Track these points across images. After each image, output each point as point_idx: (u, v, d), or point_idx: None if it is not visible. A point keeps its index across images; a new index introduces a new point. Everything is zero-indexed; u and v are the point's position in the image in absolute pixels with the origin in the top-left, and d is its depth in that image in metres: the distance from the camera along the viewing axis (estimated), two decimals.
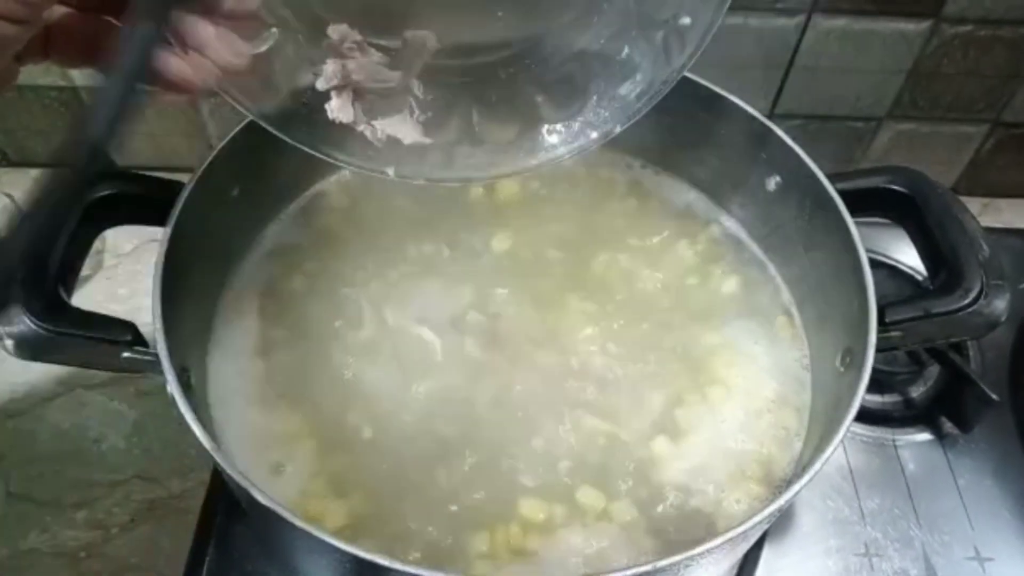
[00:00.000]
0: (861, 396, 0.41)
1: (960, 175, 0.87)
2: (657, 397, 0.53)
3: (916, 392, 0.69)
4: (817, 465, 0.38)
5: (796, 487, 0.38)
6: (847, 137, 0.83)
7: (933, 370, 0.70)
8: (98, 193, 0.46)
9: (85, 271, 0.78)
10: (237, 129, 0.51)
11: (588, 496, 0.48)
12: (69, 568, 0.59)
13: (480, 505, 0.47)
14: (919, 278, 0.74)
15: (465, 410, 0.52)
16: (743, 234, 0.63)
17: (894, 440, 0.67)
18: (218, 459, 0.38)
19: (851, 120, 0.81)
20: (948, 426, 0.67)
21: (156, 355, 0.41)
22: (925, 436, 0.67)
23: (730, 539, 0.36)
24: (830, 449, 0.39)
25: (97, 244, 0.81)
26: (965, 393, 0.65)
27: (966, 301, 0.46)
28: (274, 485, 0.48)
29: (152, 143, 0.82)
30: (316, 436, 0.50)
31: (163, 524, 0.61)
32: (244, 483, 0.36)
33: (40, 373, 0.68)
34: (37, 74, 0.75)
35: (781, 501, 0.37)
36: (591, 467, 0.50)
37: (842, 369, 0.48)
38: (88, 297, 0.76)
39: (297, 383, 0.53)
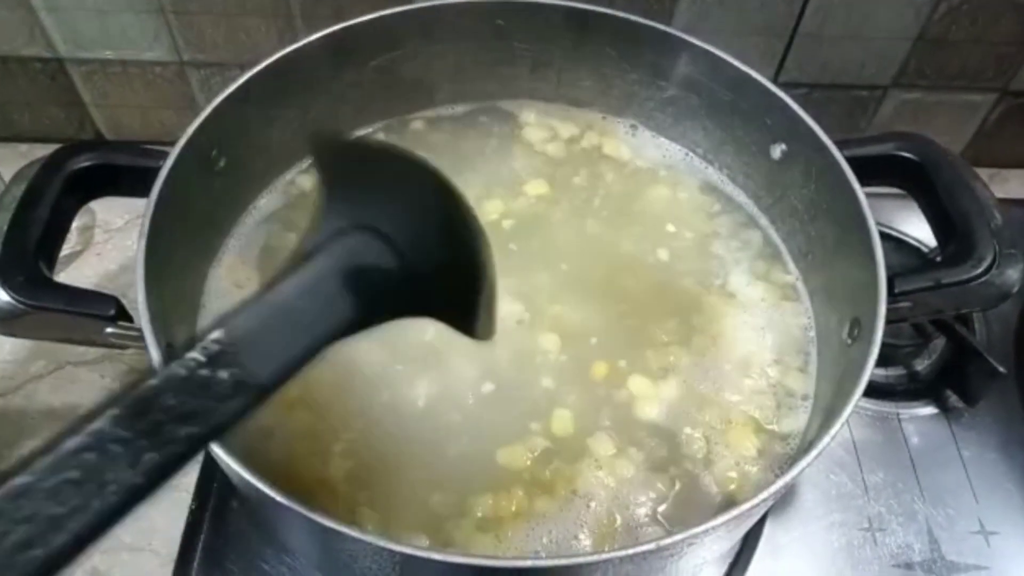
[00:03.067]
0: (870, 370, 0.40)
1: (966, 145, 0.86)
2: (647, 345, 0.53)
3: (921, 365, 0.68)
4: (826, 439, 0.37)
5: (804, 462, 0.37)
6: (851, 106, 0.81)
7: (938, 343, 0.69)
8: (79, 164, 0.44)
9: (75, 247, 0.78)
10: (220, 98, 0.49)
11: (563, 419, 0.48)
12: None
13: (478, 467, 0.47)
14: (925, 250, 0.73)
15: (466, 377, 0.51)
16: (747, 203, 0.62)
17: (898, 414, 0.66)
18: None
19: (856, 89, 0.79)
20: (953, 399, 0.66)
21: (140, 330, 0.39)
22: (930, 410, 0.66)
23: (735, 517, 0.34)
24: (839, 424, 0.38)
25: (87, 219, 0.81)
26: (971, 366, 0.64)
27: (978, 271, 0.44)
28: (263, 451, 0.47)
29: (141, 116, 0.81)
30: (310, 403, 0.49)
31: (157, 503, 0.57)
32: (230, 463, 0.35)
33: (29, 350, 0.67)
34: (22, 45, 0.73)
35: (788, 477, 0.36)
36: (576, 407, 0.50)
37: (849, 341, 0.47)
38: (78, 273, 0.75)
39: None
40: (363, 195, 0.29)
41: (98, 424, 0.25)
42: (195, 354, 0.26)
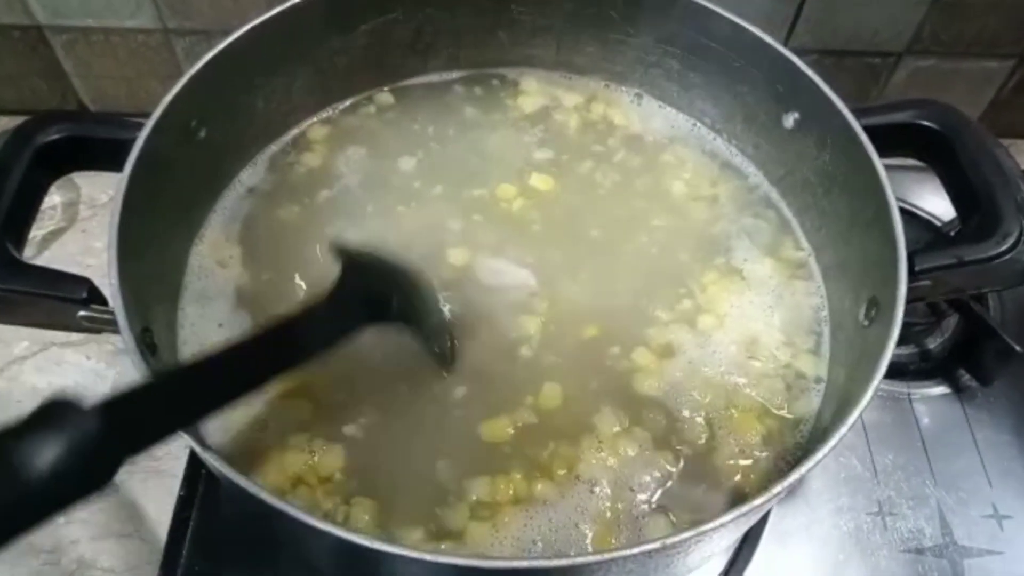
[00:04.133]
0: (890, 353, 0.37)
1: (981, 114, 0.83)
2: (649, 324, 0.51)
3: (933, 343, 0.66)
4: (843, 428, 0.35)
5: (820, 453, 0.34)
6: (863, 74, 0.78)
7: (951, 320, 0.67)
8: (49, 137, 0.42)
9: (59, 223, 0.75)
10: (199, 65, 0.46)
11: (551, 392, 0.47)
12: (46, 536, 0.57)
13: (469, 445, 0.46)
14: (938, 224, 0.71)
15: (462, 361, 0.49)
16: (757, 175, 0.59)
17: (909, 393, 0.64)
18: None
19: (868, 56, 0.76)
20: (966, 379, 0.65)
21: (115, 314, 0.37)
22: (942, 389, 0.64)
23: (744, 514, 0.32)
24: (857, 411, 0.35)
25: (71, 195, 0.78)
26: (985, 345, 0.62)
27: (1003, 247, 0.42)
28: (256, 444, 0.45)
29: (126, 86, 0.78)
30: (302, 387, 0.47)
31: (145, 488, 0.58)
32: (209, 457, 0.33)
33: (12, 331, 0.65)
34: (1, 12, 0.70)
35: (804, 469, 0.34)
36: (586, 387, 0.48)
37: (866, 323, 0.45)
38: (62, 250, 0.73)
39: None
40: (368, 273, 0.44)
41: None
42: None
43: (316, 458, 0.45)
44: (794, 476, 0.34)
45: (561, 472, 0.44)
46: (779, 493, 0.34)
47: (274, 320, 0.37)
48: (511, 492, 0.44)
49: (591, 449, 0.46)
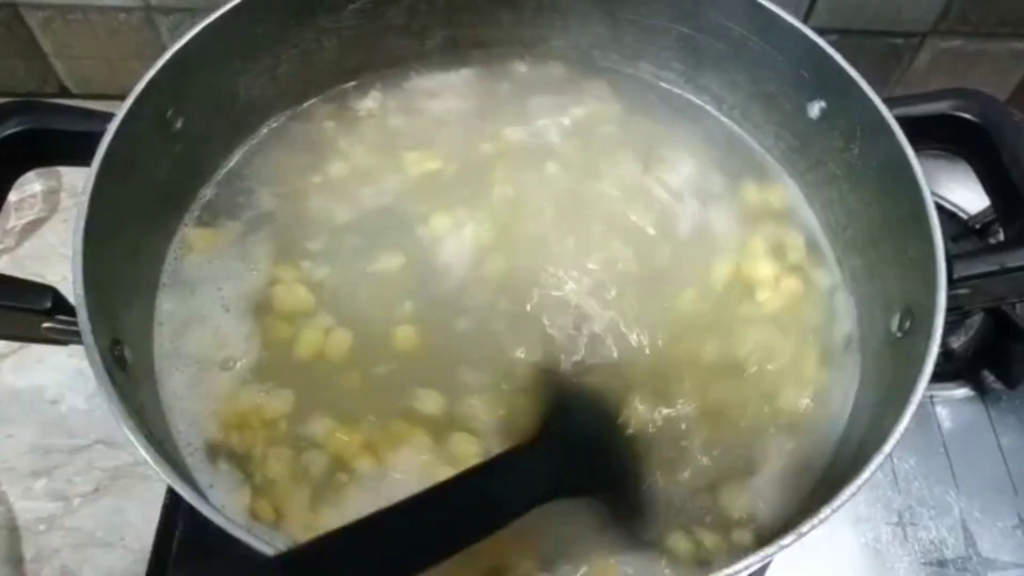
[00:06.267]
0: (929, 373, 0.34)
1: (1008, 97, 0.79)
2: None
3: (956, 343, 0.64)
4: (878, 459, 0.32)
5: (852, 487, 0.31)
6: (884, 56, 0.75)
7: (975, 319, 0.64)
8: (9, 129, 0.38)
9: (39, 212, 0.72)
10: (174, 49, 0.42)
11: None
12: (27, 543, 0.55)
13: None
14: (964, 216, 0.68)
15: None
16: (778, 169, 0.55)
17: (931, 396, 0.62)
18: (143, 452, 0.34)
19: (891, 36, 0.73)
20: (991, 381, 0.63)
21: None
22: (965, 391, 0.62)
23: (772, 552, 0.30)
24: (890, 443, 0.32)
25: (52, 183, 0.75)
26: (1012, 345, 0.60)
27: None
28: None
29: (108, 68, 0.75)
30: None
31: (129, 494, 0.57)
32: (180, 489, 0.30)
33: None
34: None
35: (832, 507, 0.31)
36: None
37: (899, 335, 0.41)
38: (43, 241, 0.71)
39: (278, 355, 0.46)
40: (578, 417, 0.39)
41: None
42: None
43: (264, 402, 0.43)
44: (824, 513, 0.31)
45: None
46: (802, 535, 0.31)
47: (462, 472, 0.31)
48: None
49: None
